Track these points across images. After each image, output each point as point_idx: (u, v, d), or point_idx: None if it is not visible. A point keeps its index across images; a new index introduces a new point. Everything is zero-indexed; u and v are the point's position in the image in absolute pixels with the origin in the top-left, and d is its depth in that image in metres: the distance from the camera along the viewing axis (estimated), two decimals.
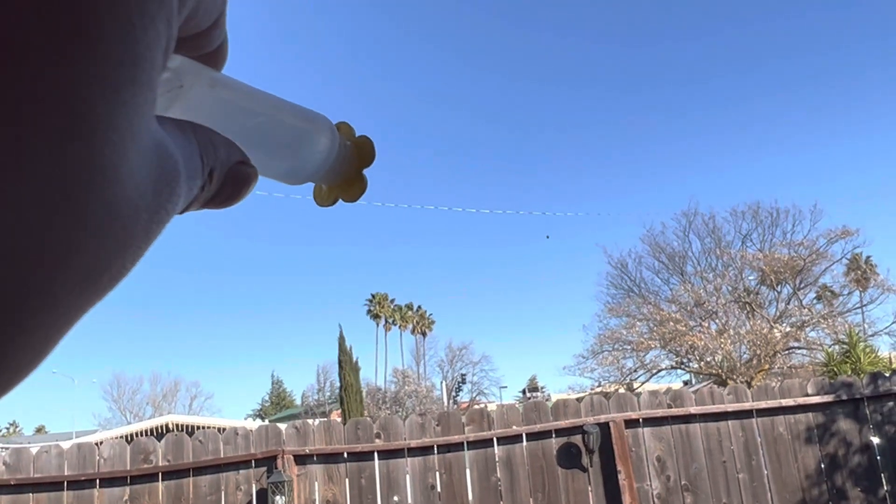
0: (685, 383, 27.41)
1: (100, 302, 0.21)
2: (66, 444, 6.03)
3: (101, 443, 6.03)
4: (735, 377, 20.33)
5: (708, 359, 22.13)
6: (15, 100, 0.15)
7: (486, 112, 67.83)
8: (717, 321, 22.60)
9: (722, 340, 21.38)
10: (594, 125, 64.23)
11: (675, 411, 6.19)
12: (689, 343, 21.94)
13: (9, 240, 0.16)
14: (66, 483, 5.66)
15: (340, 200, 0.45)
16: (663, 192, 56.66)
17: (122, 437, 8.24)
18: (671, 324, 22.44)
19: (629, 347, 23.91)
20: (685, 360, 23.40)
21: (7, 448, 5.86)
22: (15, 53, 0.15)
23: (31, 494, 5.63)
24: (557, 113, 65.75)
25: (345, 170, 0.43)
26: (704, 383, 21.25)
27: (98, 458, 5.74)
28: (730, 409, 6.23)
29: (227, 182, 0.29)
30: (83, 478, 5.65)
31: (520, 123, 67.25)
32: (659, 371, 24.33)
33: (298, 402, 52.77)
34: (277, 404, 56.83)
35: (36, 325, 0.17)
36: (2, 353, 0.17)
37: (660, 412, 6.17)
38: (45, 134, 0.16)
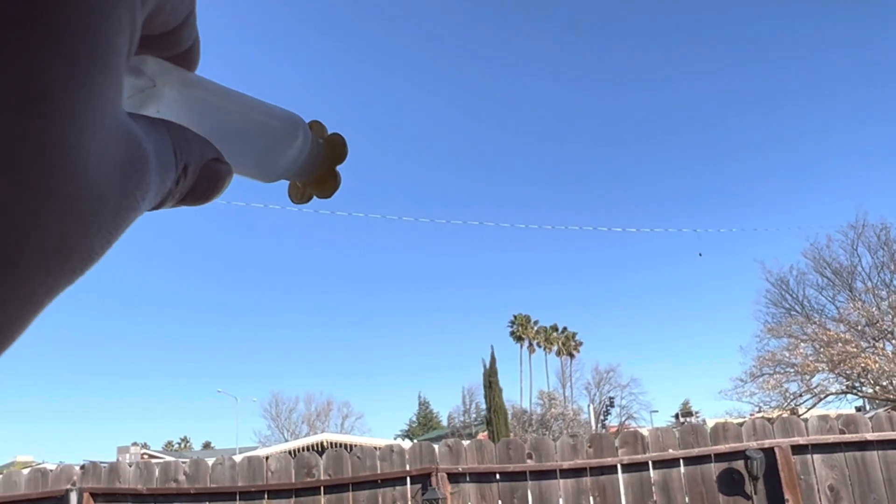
0: (858, 409, 25.27)
1: (70, 284, 0.21)
2: (238, 458, 6.47)
3: (269, 457, 6.43)
4: None
5: (884, 383, 20.33)
6: None
7: (630, 127, 66.48)
8: (893, 342, 20.72)
9: None
10: (748, 137, 61.23)
11: (848, 437, 5.74)
12: (862, 365, 20.26)
13: None
14: (238, 494, 6.07)
15: (315, 197, 0.46)
16: (827, 204, 52.97)
17: (285, 452, 8.77)
18: (840, 345, 20.84)
19: (792, 370, 22.43)
20: (857, 385, 21.63)
21: (187, 460, 6.36)
22: None
23: (207, 503, 6.09)
24: (706, 122, 63.29)
25: (318, 167, 0.44)
26: (880, 409, 19.53)
27: (266, 470, 6.12)
28: None
29: (201, 178, 0.29)
30: (253, 489, 6.04)
31: (669, 140, 65.31)
32: (827, 395, 22.62)
33: (445, 423, 53.42)
34: (425, 425, 57.84)
35: (4, 300, 0.18)
36: None
37: (831, 438, 5.75)
38: (6, 107, 0.17)
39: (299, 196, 0.46)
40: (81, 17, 0.18)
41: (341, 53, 66.69)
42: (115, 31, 0.20)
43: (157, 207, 0.26)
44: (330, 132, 0.47)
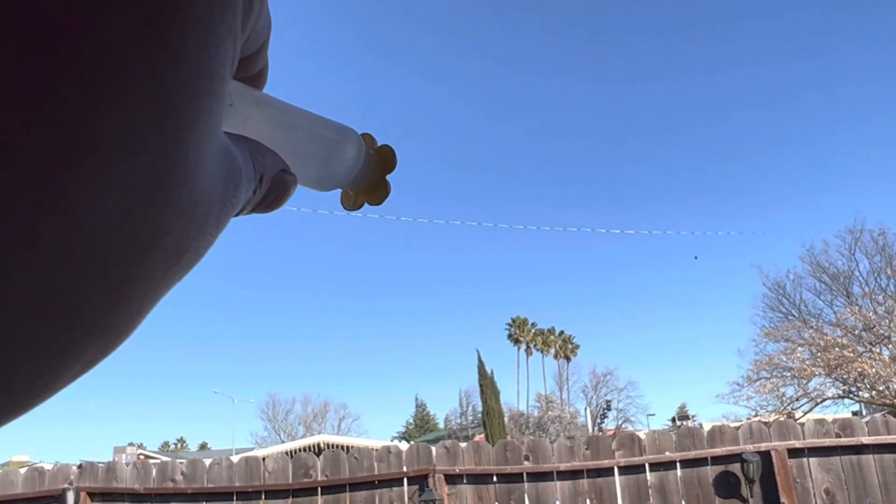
0: (854, 414, 25.30)
1: (179, 281, 0.24)
2: (235, 458, 6.48)
3: (266, 457, 6.44)
4: None
5: (881, 388, 20.38)
6: (119, 99, 0.18)
7: (629, 131, 66.57)
8: (889, 346, 20.78)
9: None
10: (745, 141, 61.36)
11: (844, 441, 5.75)
12: (858, 370, 20.31)
13: (117, 216, 0.19)
14: (235, 494, 6.07)
15: (367, 204, 0.49)
16: (824, 209, 53.09)
17: (283, 452, 8.78)
18: (837, 349, 20.89)
19: (789, 374, 22.48)
20: (854, 389, 21.66)
21: (184, 460, 6.36)
22: (119, 67, 0.18)
23: (204, 503, 6.09)
24: (704, 127, 63.41)
25: (370, 176, 0.47)
26: (877, 414, 19.56)
27: (263, 471, 6.12)
28: None
29: (273, 188, 0.32)
30: (251, 489, 6.04)
31: (665, 142, 65.41)
32: (824, 400, 22.67)
33: (441, 425, 53.39)
34: (421, 427, 57.78)
35: (132, 293, 0.21)
36: (106, 315, 0.20)
37: (827, 441, 5.76)
38: (141, 128, 0.19)
39: (352, 203, 0.48)
40: (202, 52, 0.20)
41: (330, 45, 66.75)
42: (225, 61, 0.22)
43: (238, 214, 0.29)
44: (379, 144, 0.49)
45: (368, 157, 0.47)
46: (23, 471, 6.36)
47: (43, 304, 0.18)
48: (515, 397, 50.73)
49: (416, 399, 61.10)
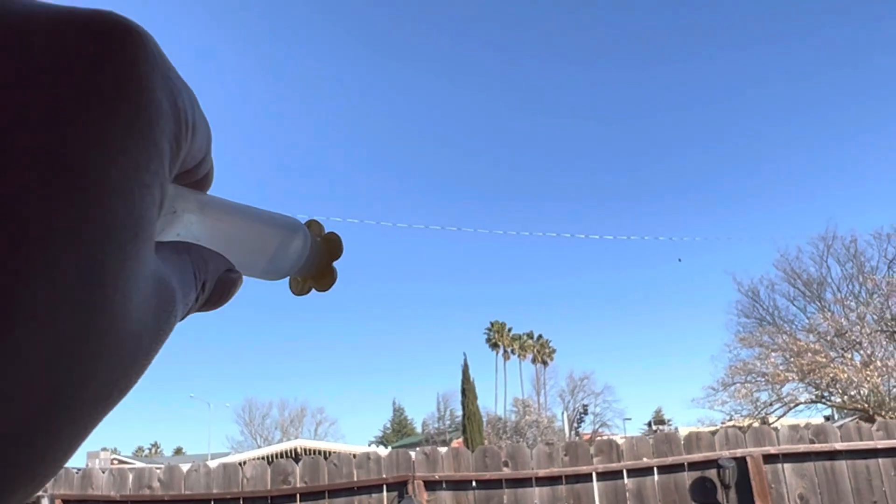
0: (826, 418, 25.67)
1: (112, 409, 0.25)
2: (213, 464, 6.43)
3: (245, 463, 6.40)
4: (884, 413, 18.85)
5: (852, 392, 20.68)
6: (43, 263, 0.19)
7: (608, 136, 67.07)
8: (861, 352, 21.09)
9: (868, 373, 19.93)
10: (721, 146, 62.08)
11: (818, 447, 5.85)
12: (831, 375, 20.58)
13: (41, 368, 0.20)
14: (213, 501, 6.02)
15: (314, 290, 0.50)
16: (798, 216, 53.84)
17: (260, 458, 8.72)
18: (809, 355, 21.16)
19: (763, 380, 22.72)
20: (826, 394, 21.97)
21: (161, 467, 6.30)
22: (39, 231, 0.19)
23: None
24: (683, 134, 64.07)
25: (317, 264, 0.48)
26: (849, 419, 19.83)
27: (242, 477, 6.08)
28: (880, 446, 5.83)
29: (216, 288, 0.34)
30: (229, 496, 6.00)
31: (644, 146, 66.00)
32: (797, 405, 22.95)
33: (419, 429, 53.32)
34: (399, 431, 57.66)
35: (61, 434, 0.21)
36: (35, 456, 0.20)
37: (801, 447, 5.86)
38: (67, 287, 0.20)
39: (299, 289, 0.49)
40: (125, 205, 0.22)
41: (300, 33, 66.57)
42: (150, 205, 0.23)
43: (180, 319, 0.30)
44: (327, 231, 0.50)
45: (315, 245, 0.47)
46: None
47: None
48: (493, 402, 50.85)
49: (394, 403, 61.01)
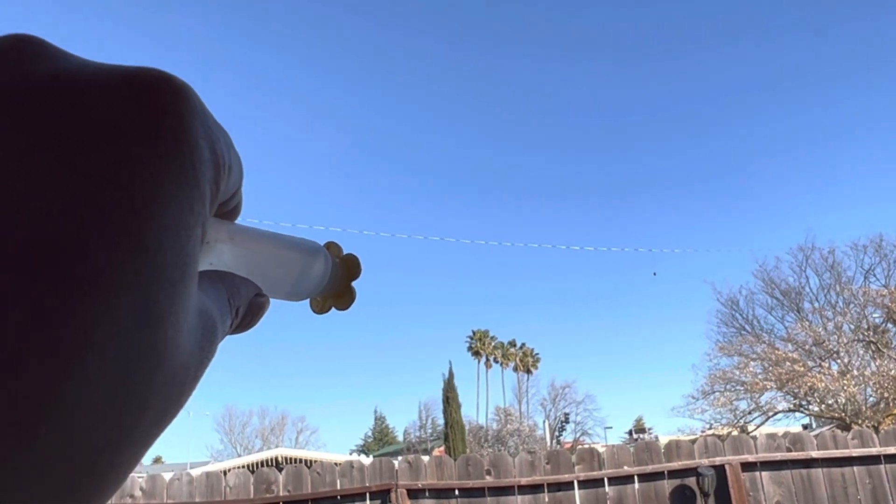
0: (804, 427, 25.97)
1: (161, 434, 0.26)
2: (195, 472, 6.41)
3: (228, 472, 6.38)
4: (860, 421, 19.09)
5: (830, 401, 20.93)
6: (106, 306, 0.21)
7: (586, 146, 67.50)
8: (838, 361, 21.39)
9: (845, 382, 20.20)
10: (700, 155, 62.68)
11: (795, 455, 5.95)
12: (809, 384, 20.84)
13: (107, 402, 0.21)
14: None
15: (334, 309, 0.52)
16: (776, 227, 54.48)
17: (242, 467, 8.71)
18: (788, 364, 21.42)
19: (742, 388, 22.95)
20: (804, 403, 22.22)
21: (143, 476, 6.27)
22: (105, 276, 0.21)
23: None
24: (661, 144, 64.65)
25: (336, 284, 0.50)
26: (826, 427, 20.07)
27: (225, 486, 6.07)
28: (855, 455, 5.94)
29: (248, 312, 0.36)
30: None
31: (623, 157, 66.49)
32: (776, 413, 23.20)
33: (401, 438, 53.15)
34: (380, 440, 57.43)
35: (122, 460, 0.23)
36: (99, 481, 0.22)
37: (779, 455, 5.96)
38: (126, 327, 0.21)
39: (320, 307, 0.52)
40: (174, 247, 0.24)
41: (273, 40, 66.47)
42: (195, 244, 0.25)
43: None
44: (345, 252, 0.53)
45: (335, 267, 0.49)
46: None
47: (43, 495, 0.20)
48: (475, 410, 50.85)
49: (376, 412, 60.72)
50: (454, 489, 5.99)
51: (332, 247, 0.52)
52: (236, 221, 0.38)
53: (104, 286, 0.21)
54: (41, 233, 0.21)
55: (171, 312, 0.23)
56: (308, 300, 0.50)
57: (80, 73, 0.24)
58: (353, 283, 0.52)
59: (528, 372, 53.33)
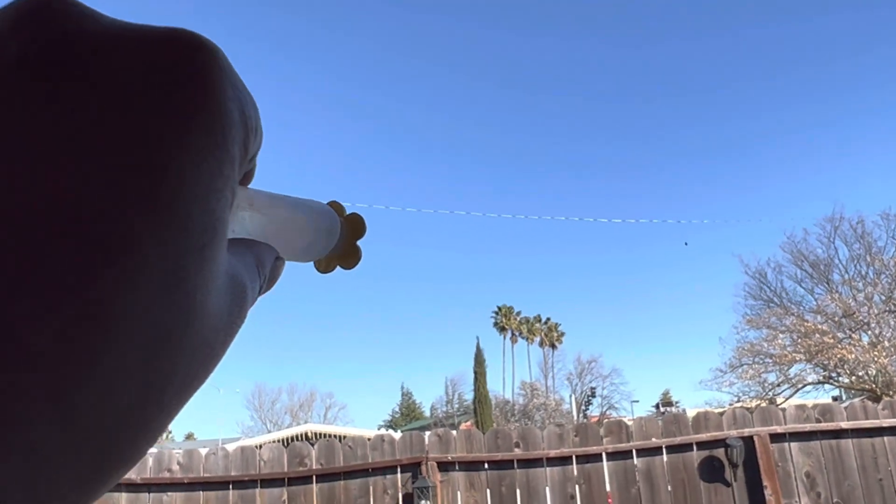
0: (834, 399, 25.75)
1: (189, 399, 0.26)
2: (230, 447, 6.56)
3: (261, 446, 6.53)
4: (891, 392, 18.91)
5: (860, 373, 20.77)
6: (136, 268, 0.21)
7: (614, 121, 66.76)
8: (869, 333, 21.16)
9: (875, 353, 20.00)
10: (728, 129, 61.76)
11: (824, 426, 5.94)
12: (838, 356, 20.67)
13: (134, 365, 0.21)
14: (231, 483, 6.16)
15: (339, 268, 0.51)
16: (804, 198, 53.66)
17: (276, 441, 8.91)
18: (817, 336, 21.24)
19: (771, 361, 22.83)
20: (834, 375, 22.07)
21: (180, 451, 6.43)
22: (136, 238, 0.21)
23: (201, 492, 6.17)
24: (689, 117, 63.76)
25: (342, 244, 0.49)
26: (856, 399, 19.92)
27: (259, 460, 6.22)
28: (885, 425, 5.91)
29: (270, 276, 0.36)
30: (246, 478, 6.13)
31: (651, 130, 65.72)
32: (805, 385, 23.08)
33: (427, 413, 53.60)
34: (407, 415, 57.93)
35: (151, 427, 0.23)
36: (129, 443, 0.22)
37: (808, 426, 5.95)
38: (156, 288, 0.21)
39: (324, 267, 0.51)
40: (203, 212, 0.24)
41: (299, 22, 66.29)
42: (224, 208, 0.25)
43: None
44: (349, 212, 0.53)
45: (341, 227, 0.50)
46: None
47: (79, 456, 0.20)
48: (501, 385, 51.04)
49: (402, 387, 61.24)
50: (484, 462, 6.07)
51: (334, 205, 0.51)
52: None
53: (133, 251, 0.21)
54: (70, 197, 0.20)
55: (200, 276, 0.23)
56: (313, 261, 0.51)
57: (110, 33, 0.24)
58: (359, 243, 0.52)
59: (553, 347, 53.37)
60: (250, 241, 0.35)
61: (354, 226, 0.51)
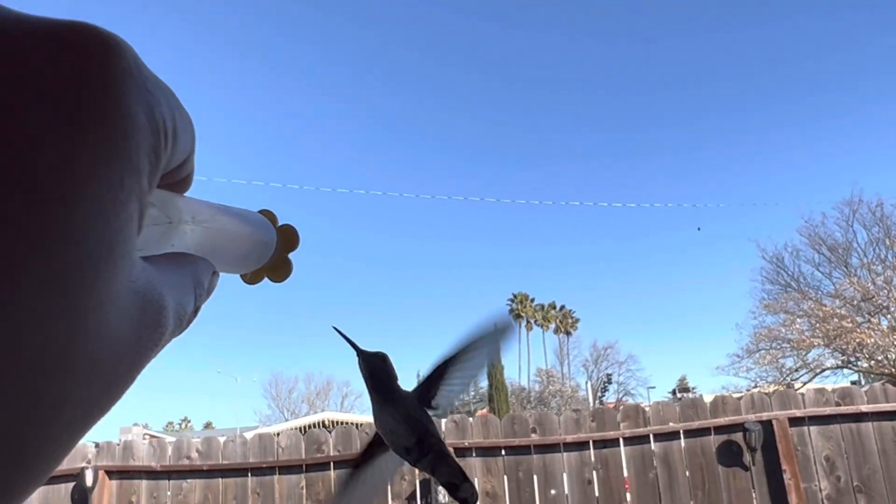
0: (853, 384, 25.57)
1: (93, 425, 0.24)
2: (248, 435, 6.61)
3: (279, 434, 6.57)
4: None
5: (879, 357, 20.59)
6: (13, 287, 0.19)
7: (629, 107, 66.35)
8: (888, 316, 20.95)
9: (895, 337, 19.80)
10: (743, 112, 61.20)
11: (844, 409, 5.90)
12: (857, 341, 20.50)
13: (14, 395, 0.19)
14: (249, 470, 6.21)
15: (268, 280, 0.50)
16: (821, 181, 53.12)
17: (294, 429, 8.96)
18: (835, 320, 21.08)
19: (788, 346, 22.69)
20: (853, 359, 21.88)
21: (199, 438, 6.49)
22: (10, 257, 0.19)
23: (220, 479, 6.23)
24: (703, 100, 63.22)
25: (274, 256, 0.49)
26: (876, 383, 19.75)
27: (277, 447, 6.26)
28: None
29: (206, 292, 0.34)
30: (265, 465, 6.18)
31: (664, 113, 65.24)
32: (823, 370, 22.92)
33: None
34: None
35: (39, 458, 0.21)
36: (13, 482, 0.20)
37: (827, 410, 5.91)
38: (37, 309, 0.19)
39: (251, 279, 0.50)
40: (98, 225, 0.21)
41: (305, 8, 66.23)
42: (127, 221, 0.23)
43: (182, 331, 0.30)
44: (281, 223, 0.51)
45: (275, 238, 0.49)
46: None
47: None
48: (517, 372, 51.07)
49: (418, 376, 60.80)
50: (500, 447, 6.08)
51: (268, 216, 0.50)
52: (186, 194, 0.35)
53: (7, 269, 0.19)
54: None
55: (93, 296, 0.21)
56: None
57: None
58: (291, 255, 0.50)
59: (568, 334, 53.36)
60: (188, 257, 0.33)
61: (287, 238, 0.50)
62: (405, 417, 1.02)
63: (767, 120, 60.22)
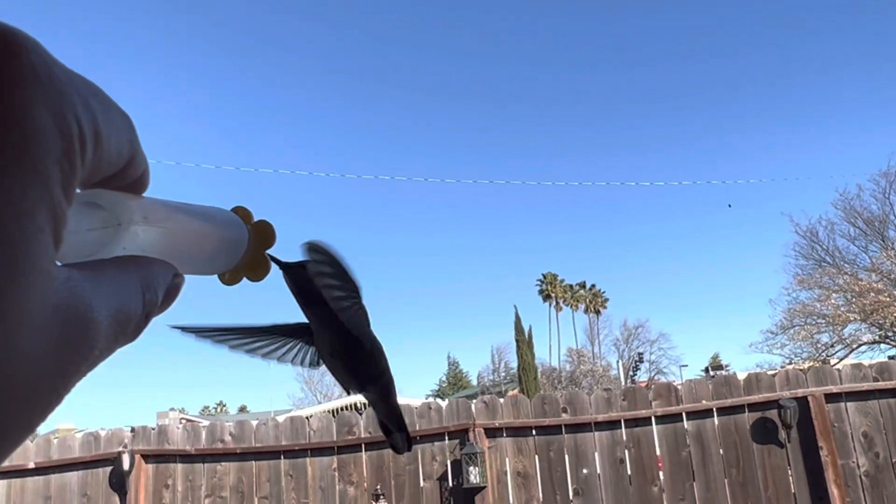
0: (891, 358, 25.11)
1: (22, 441, 0.23)
2: (281, 418, 6.68)
3: (311, 417, 6.63)
4: None
5: None
6: None
7: (659, 84, 65.41)
8: None
9: None
10: (774, 84, 59.98)
11: (882, 384, 5.77)
12: (895, 315, 20.07)
13: None
14: (282, 452, 6.28)
15: (247, 280, 0.48)
16: (856, 153, 51.93)
17: (325, 412, 9.03)
18: (872, 294, 20.67)
19: (823, 321, 22.32)
20: (890, 334, 21.46)
21: (231, 423, 6.57)
22: None
23: (253, 462, 6.31)
24: (732, 74, 62.08)
25: (249, 254, 0.47)
26: None
27: (308, 430, 6.31)
28: None
29: (165, 296, 0.33)
30: (297, 447, 6.25)
31: (695, 90, 64.20)
32: (860, 346, 22.49)
33: (474, 382, 53.94)
34: (454, 384, 58.35)
35: None
36: None
37: (865, 386, 5.78)
38: None
39: (228, 280, 0.48)
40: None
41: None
42: (34, 233, 0.21)
43: (134, 337, 0.29)
44: (256, 218, 0.49)
45: (248, 235, 0.46)
46: (79, 436, 6.63)
47: None
48: (547, 353, 50.98)
49: (449, 357, 61.62)
50: (531, 427, 6.06)
51: (240, 211, 0.48)
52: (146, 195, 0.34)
53: None
54: None
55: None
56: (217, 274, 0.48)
57: None
58: (268, 252, 0.49)
59: (598, 313, 53.09)
60: (138, 260, 0.32)
61: (263, 234, 0.48)
62: (348, 340, 0.90)
63: (799, 93, 58.98)
